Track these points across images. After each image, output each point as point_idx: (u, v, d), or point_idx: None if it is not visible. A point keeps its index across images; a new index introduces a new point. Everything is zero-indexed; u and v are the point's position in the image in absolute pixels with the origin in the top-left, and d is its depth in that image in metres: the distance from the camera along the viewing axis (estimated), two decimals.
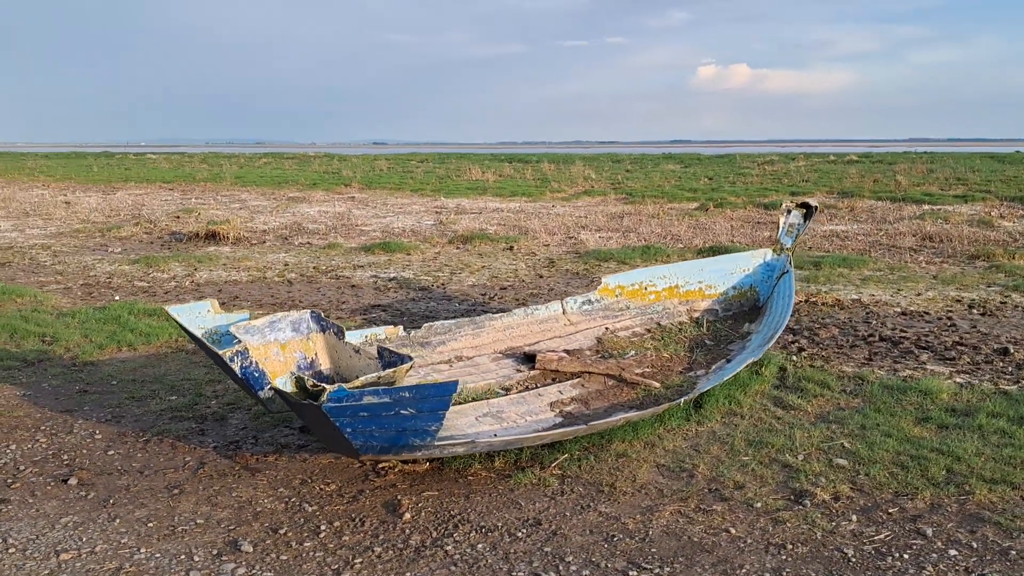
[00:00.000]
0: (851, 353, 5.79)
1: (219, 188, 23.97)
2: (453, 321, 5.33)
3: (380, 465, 3.86)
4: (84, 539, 3.23)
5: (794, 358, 5.60)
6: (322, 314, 4.55)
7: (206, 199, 20.21)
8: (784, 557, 3.05)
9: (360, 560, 3.06)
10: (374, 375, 3.54)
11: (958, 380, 5.12)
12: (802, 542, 3.16)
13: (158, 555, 3.10)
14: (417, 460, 3.81)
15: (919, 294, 7.89)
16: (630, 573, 2.95)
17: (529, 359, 5.09)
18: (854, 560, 3.02)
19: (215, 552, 3.12)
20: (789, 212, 7.10)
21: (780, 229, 7.03)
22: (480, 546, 3.16)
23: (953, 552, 3.07)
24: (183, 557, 3.09)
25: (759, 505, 3.46)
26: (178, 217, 15.68)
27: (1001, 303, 7.41)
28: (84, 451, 4.13)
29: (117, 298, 8.04)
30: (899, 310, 7.18)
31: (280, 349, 4.39)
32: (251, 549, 3.14)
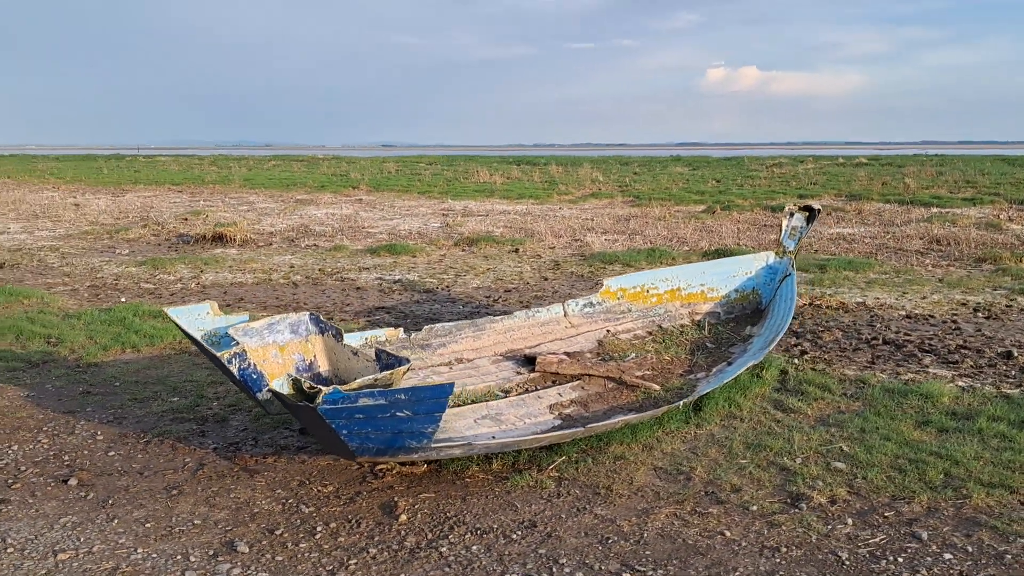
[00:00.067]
0: (854, 356, 5.77)
1: (228, 190, 24.10)
2: (454, 323, 5.33)
3: (378, 467, 3.88)
4: (82, 539, 3.25)
5: (796, 361, 5.59)
6: (321, 316, 4.56)
7: (214, 201, 20.32)
8: (778, 560, 3.04)
9: (355, 561, 3.08)
10: (371, 377, 3.54)
11: (960, 383, 5.10)
12: (796, 545, 3.15)
13: (155, 555, 3.12)
14: (415, 462, 3.82)
15: (924, 297, 7.86)
16: (623, 575, 2.96)
17: (529, 361, 5.09)
18: (848, 563, 3.01)
19: (211, 552, 3.14)
20: (792, 215, 7.08)
21: (783, 232, 7.02)
22: (475, 548, 3.17)
23: (948, 556, 3.06)
24: (179, 557, 3.11)
25: (755, 508, 3.46)
26: (186, 219, 15.77)
27: (1007, 306, 7.37)
28: (85, 452, 4.16)
29: (123, 300, 8.10)
30: (904, 313, 7.15)
31: (279, 351, 4.41)
32: (247, 550, 3.15)
